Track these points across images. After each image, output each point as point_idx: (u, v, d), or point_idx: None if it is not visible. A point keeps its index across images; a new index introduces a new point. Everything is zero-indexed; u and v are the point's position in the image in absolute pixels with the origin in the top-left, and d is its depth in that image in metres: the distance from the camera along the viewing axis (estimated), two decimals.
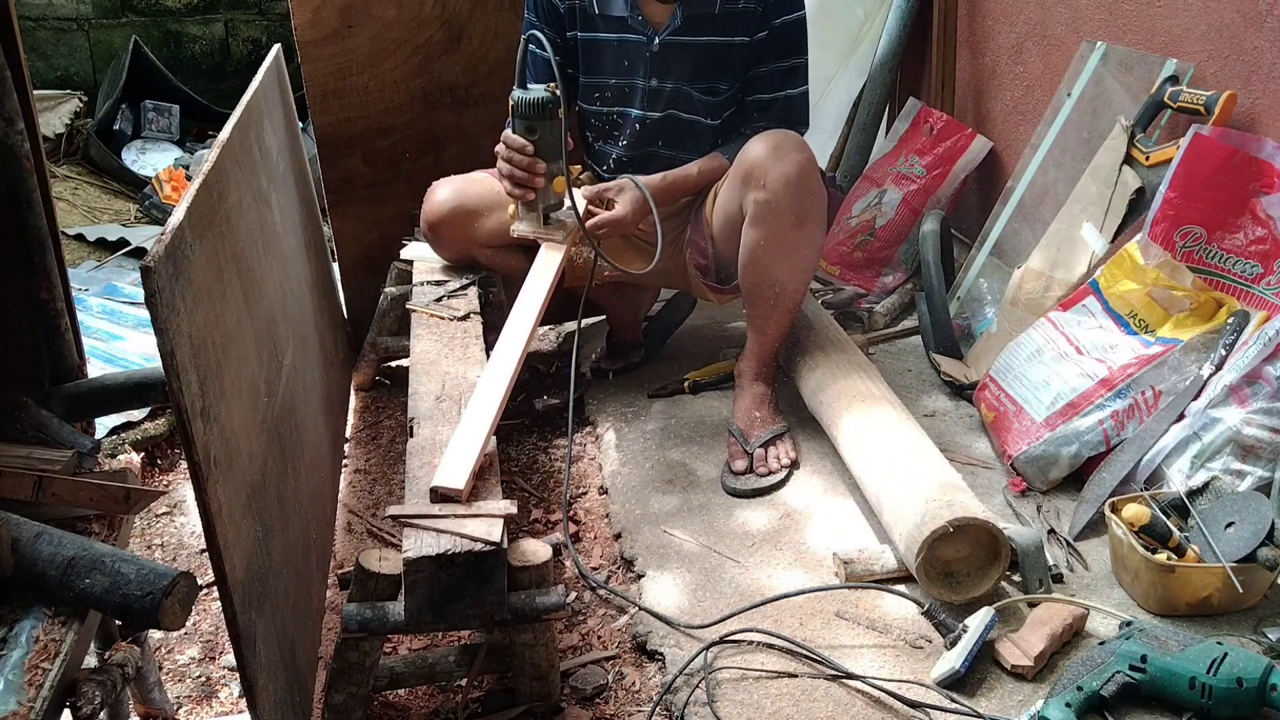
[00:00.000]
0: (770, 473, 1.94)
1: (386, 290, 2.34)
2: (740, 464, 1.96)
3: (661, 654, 1.57)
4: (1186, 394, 1.77)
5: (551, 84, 1.89)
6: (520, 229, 2.01)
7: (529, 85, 1.91)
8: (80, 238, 3.61)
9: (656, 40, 2.02)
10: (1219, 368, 1.74)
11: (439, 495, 1.46)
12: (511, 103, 1.90)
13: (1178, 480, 1.69)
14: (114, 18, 4.72)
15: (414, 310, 2.09)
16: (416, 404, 1.72)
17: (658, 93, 2.06)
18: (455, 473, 1.48)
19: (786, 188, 1.84)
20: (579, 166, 2.09)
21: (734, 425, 2.04)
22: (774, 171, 1.84)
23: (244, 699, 1.30)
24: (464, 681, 1.54)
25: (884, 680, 1.45)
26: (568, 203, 2.00)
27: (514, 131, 1.91)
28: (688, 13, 1.99)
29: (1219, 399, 1.69)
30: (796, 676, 1.49)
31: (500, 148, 1.94)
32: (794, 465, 1.98)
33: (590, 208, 2.01)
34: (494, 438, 1.61)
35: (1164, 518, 1.62)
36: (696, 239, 2.12)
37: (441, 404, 1.71)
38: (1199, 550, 1.56)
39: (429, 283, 2.19)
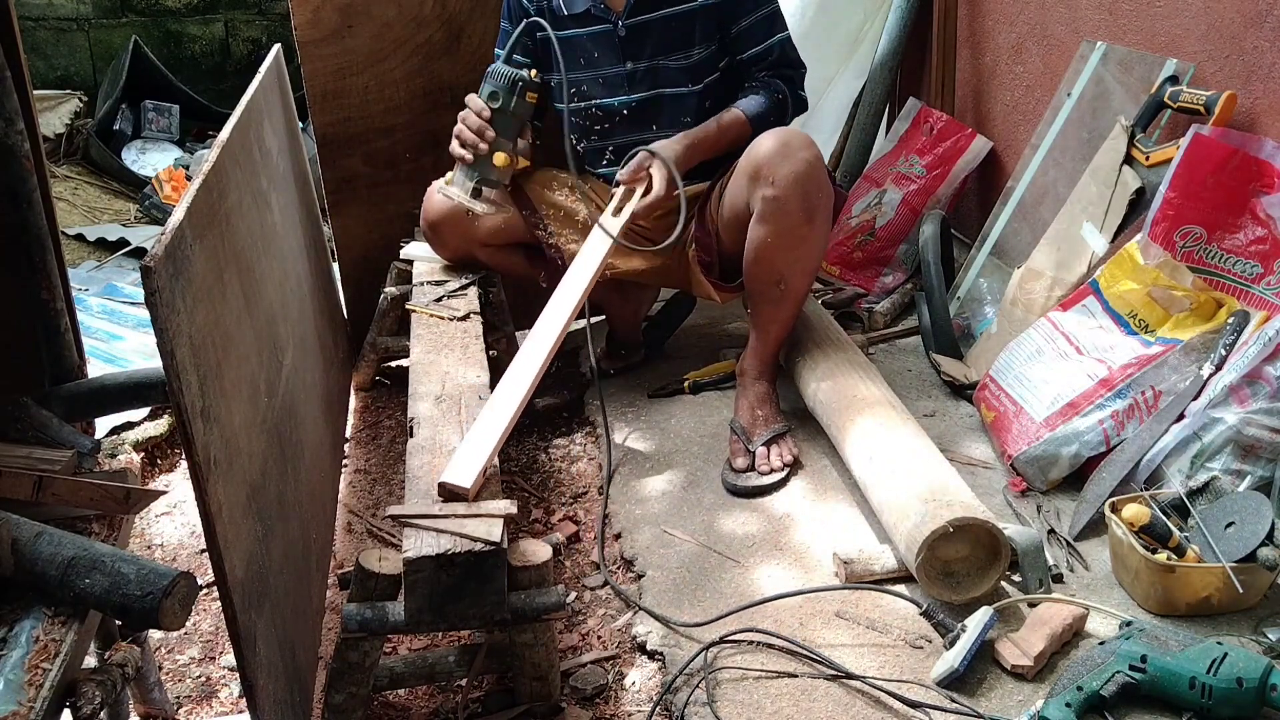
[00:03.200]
0: (772, 471, 1.94)
1: (386, 290, 2.34)
2: (741, 462, 1.96)
3: (661, 654, 1.57)
4: (1186, 394, 1.77)
5: (534, 70, 1.93)
6: (446, 190, 2.02)
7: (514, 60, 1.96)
8: (80, 238, 3.61)
9: (621, 25, 2.04)
10: (1219, 368, 1.74)
11: (447, 491, 1.46)
12: (488, 69, 1.95)
13: (1178, 480, 1.69)
14: (114, 18, 4.73)
15: (414, 310, 2.09)
16: (416, 404, 1.72)
17: (635, 75, 2.09)
18: (465, 471, 1.48)
19: (795, 184, 1.85)
20: (529, 162, 2.11)
21: (736, 423, 2.04)
22: (783, 168, 1.85)
23: (244, 699, 1.30)
24: (464, 681, 1.54)
25: (884, 680, 1.45)
26: (577, 200, 2.01)
27: (479, 94, 1.96)
28: None
29: (1219, 399, 1.69)
30: (796, 676, 1.49)
31: (465, 110, 2.00)
32: (795, 465, 1.98)
33: (629, 187, 1.99)
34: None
35: (1164, 518, 1.62)
36: (701, 236, 2.12)
37: (441, 404, 1.71)
38: (1199, 550, 1.56)
39: (429, 283, 2.19)
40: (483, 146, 1.94)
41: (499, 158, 1.95)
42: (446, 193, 2.04)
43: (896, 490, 1.64)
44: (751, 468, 1.95)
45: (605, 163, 2.20)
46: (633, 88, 2.10)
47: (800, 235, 1.90)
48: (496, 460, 1.57)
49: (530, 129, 2.18)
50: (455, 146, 1.99)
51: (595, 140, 2.19)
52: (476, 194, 1.99)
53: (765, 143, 1.89)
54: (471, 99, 1.97)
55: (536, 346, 1.78)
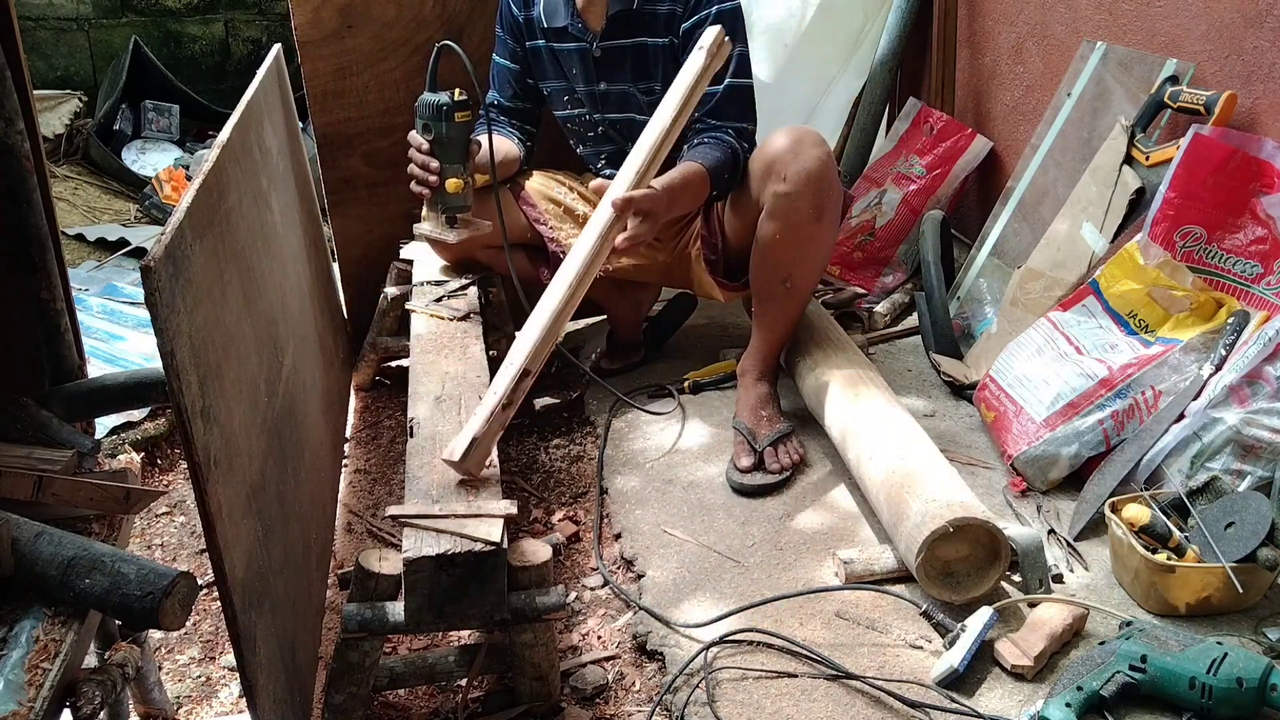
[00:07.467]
0: (781, 470, 1.95)
1: (386, 290, 2.34)
2: (746, 461, 1.96)
3: (661, 654, 1.57)
4: (1186, 394, 1.77)
5: (458, 89, 1.93)
6: (421, 229, 2.06)
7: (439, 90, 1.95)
8: (80, 238, 3.61)
9: (596, 46, 2.05)
10: (1219, 368, 1.74)
11: (455, 469, 1.49)
12: (416, 103, 1.96)
13: (1178, 480, 1.69)
14: (114, 18, 4.72)
15: (414, 310, 2.09)
16: (416, 404, 1.72)
17: (607, 96, 2.11)
18: (462, 444, 1.51)
19: (807, 182, 1.86)
20: (486, 176, 2.02)
21: (740, 424, 2.04)
22: (794, 165, 1.86)
23: (244, 699, 1.30)
24: (464, 681, 1.54)
25: (884, 680, 1.45)
26: (577, 199, 2.00)
27: (417, 131, 1.97)
28: (612, 12, 2.02)
29: (1219, 399, 1.69)
30: (796, 676, 1.49)
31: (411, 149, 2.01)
32: (801, 464, 1.98)
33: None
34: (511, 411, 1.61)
35: (1164, 518, 1.62)
36: (707, 233, 2.13)
37: (441, 404, 1.71)
38: (1199, 550, 1.56)
39: (429, 283, 2.20)
40: (433, 179, 1.96)
41: (451, 184, 1.98)
42: (422, 231, 2.08)
43: (896, 490, 1.64)
44: (757, 467, 1.96)
45: (601, 165, 2.23)
46: (606, 108, 2.12)
47: (809, 233, 1.91)
48: (496, 460, 1.58)
49: (522, 136, 2.23)
50: (413, 186, 2.01)
51: (589, 147, 2.23)
52: (451, 223, 2.02)
53: (778, 139, 1.90)
54: (411, 136, 1.98)
55: (542, 318, 1.70)
